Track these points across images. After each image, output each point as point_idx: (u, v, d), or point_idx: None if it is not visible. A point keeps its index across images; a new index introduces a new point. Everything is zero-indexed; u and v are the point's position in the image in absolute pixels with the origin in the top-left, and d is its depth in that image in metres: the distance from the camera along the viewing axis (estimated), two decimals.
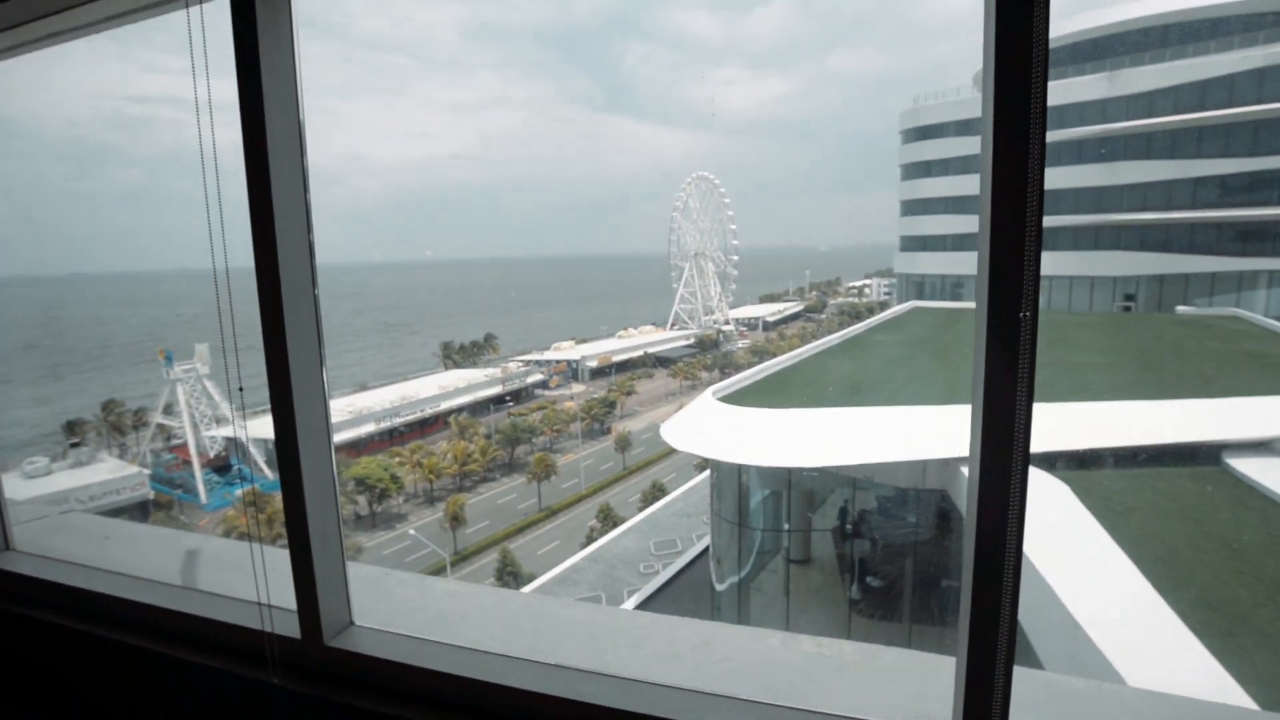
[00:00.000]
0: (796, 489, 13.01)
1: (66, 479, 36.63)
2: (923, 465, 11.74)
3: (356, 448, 48.51)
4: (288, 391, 1.38)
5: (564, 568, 21.29)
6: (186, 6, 1.34)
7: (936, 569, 12.66)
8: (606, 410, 56.28)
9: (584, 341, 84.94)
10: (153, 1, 1.83)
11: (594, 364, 74.93)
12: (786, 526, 13.32)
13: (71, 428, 42.94)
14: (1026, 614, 7.74)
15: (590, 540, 30.30)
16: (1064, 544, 8.03)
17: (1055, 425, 11.60)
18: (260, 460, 50.02)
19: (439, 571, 33.47)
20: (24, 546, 2.23)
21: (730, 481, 13.56)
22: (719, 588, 13.95)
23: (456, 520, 36.68)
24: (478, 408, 59.32)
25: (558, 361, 75.21)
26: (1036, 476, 10.28)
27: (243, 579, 1.76)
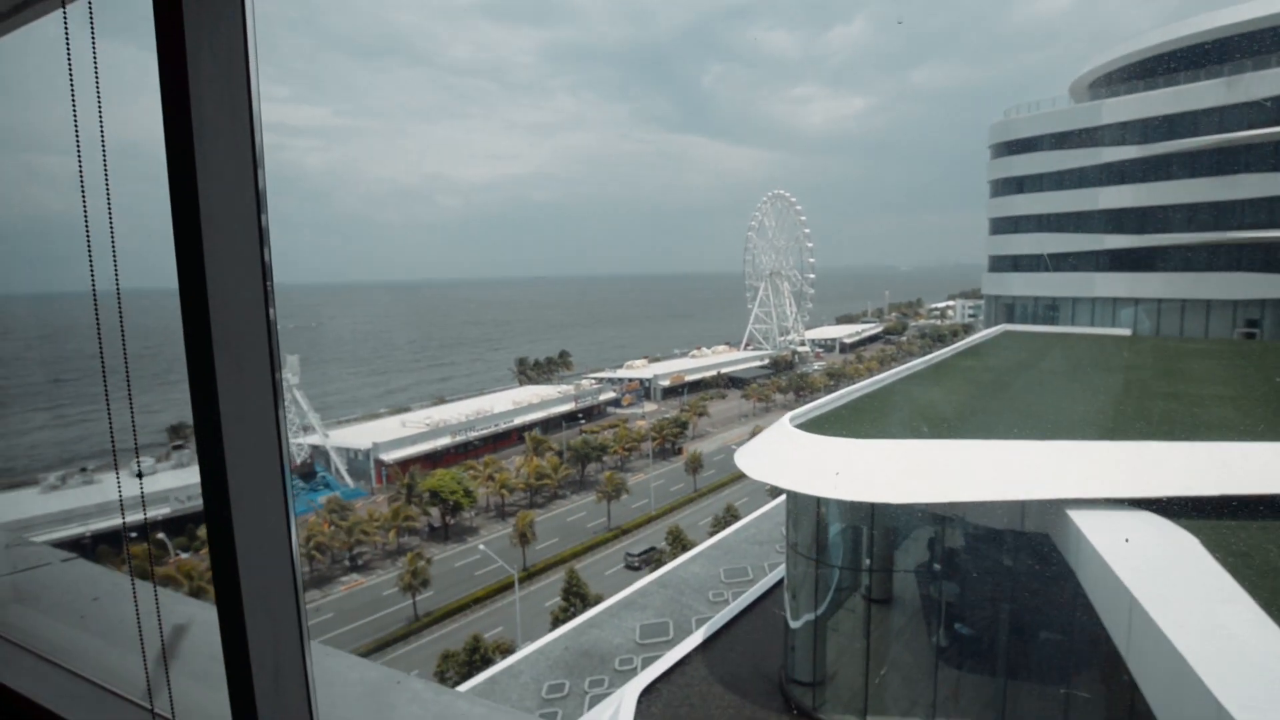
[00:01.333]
0: (879, 524, 12.15)
1: (169, 478, 38.98)
2: (1022, 506, 10.73)
3: (433, 460, 49.60)
4: (218, 441, 1.05)
5: (630, 591, 20.81)
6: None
7: (1036, 620, 11.53)
8: (678, 430, 55.69)
9: (657, 360, 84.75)
10: None
11: (666, 383, 74.49)
12: (867, 563, 12.45)
13: (175, 431, 45.65)
14: (1158, 694, 6.78)
15: (658, 564, 29.73)
16: (1198, 607, 7.03)
17: (1178, 466, 10.40)
18: (342, 468, 51.83)
19: (507, 588, 33.56)
20: None
21: (807, 513, 12.82)
22: (793, 625, 13.16)
23: (526, 536, 36.79)
24: (550, 424, 59.77)
25: (630, 379, 75.20)
26: (1158, 526, 9.18)
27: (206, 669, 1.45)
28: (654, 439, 53.46)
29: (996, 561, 11.98)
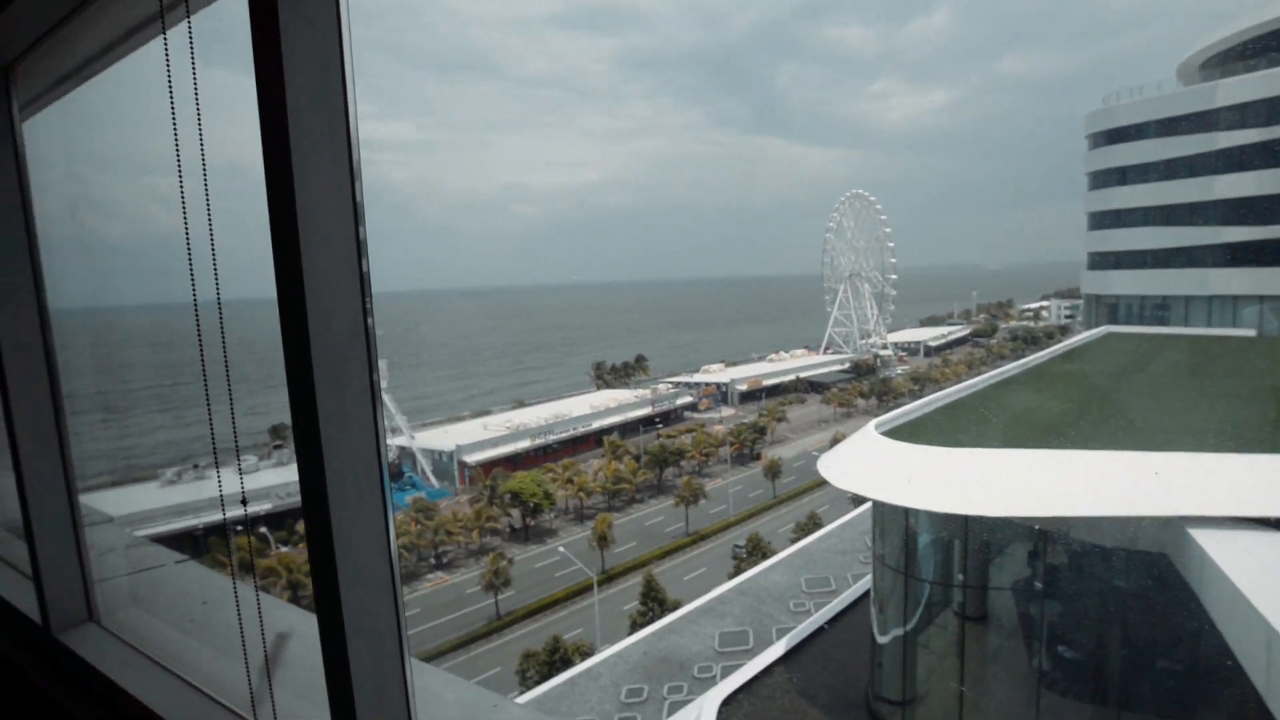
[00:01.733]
0: (973, 538, 11.51)
1: (270, 476, 41.45)
2: (1135, 522, 9.92)
3: (513, 462, 50.78)
4: (317, 451, 1.01)
5: (710, 598, 20.57)
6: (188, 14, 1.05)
7: (1152, 647, 10.63)
8: (756, 435, 54.90)
9: (733, 364, 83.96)
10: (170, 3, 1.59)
11: (744, 387, 73.65)
12: (960, 578, 11.80)
13: (275, 432, 48.51)
14: None
15: (738, 570, 29.33)
16: None
17: None
18: (428, 469, 53.73)
19: (586, 590, 33.93)
20: (110, 614, 2.08)
21: (895, 523, 12.29)
22: (881, 640, 12.64)
23: (604, 539, 37.08)
24: (627, 428, 60.14)
25: (707, 384, 74.78)
26: None
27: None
28: (732, 444, 52.91)
29: (1106, 581, 11.13)
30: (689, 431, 54.82)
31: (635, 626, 26.89)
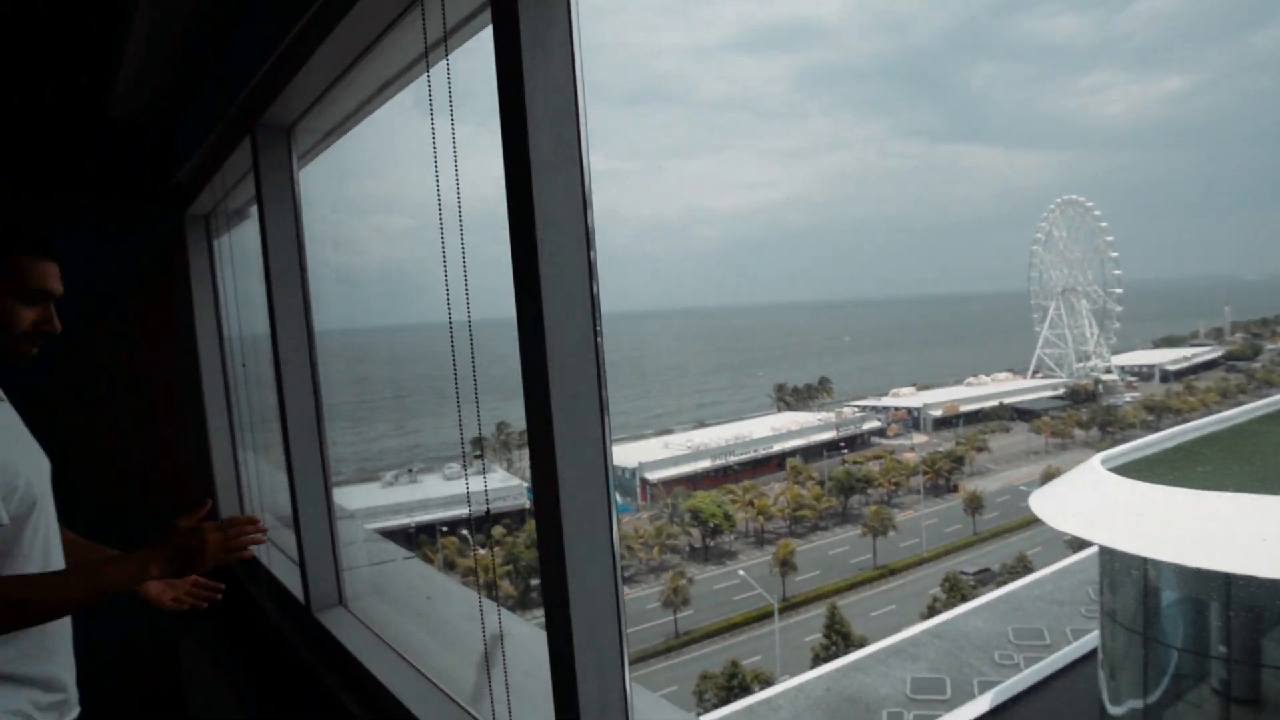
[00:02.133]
0: (1238, 601, 9.60)
1: (472, 483, 45.13)
2: None
3: (693, 481, 51.21)
4: (551, 462, 1.04)
5: (900, 638, 19.14)
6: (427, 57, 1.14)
7: None
8: (953, 465, 50.54)
9: (926, 388, 78.32)
10: (410, 62, 1.75)
11: (938, 413, 68.31)
12: (1222, 650, 9.87)
13: (475, 443, 53.02)
14: None
15: (932, 612, 27.07)
16: None
17: None
18: (611, 485, 55.43)
19: (766, 617, 33.14)
20: (354, 600, 2.32)
21: (1130, 575, 10.60)
22: (1113, 710, 10.92)
23: (786, 566, 36.03)
24: (809, 452, 58.22)
25: (896, 409, 70.36)
26: None
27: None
28: (925, 474, 49.19)
29: None
30: (876, 458, 51.83)
31: (817, 660, 25.74)
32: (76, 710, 1.36)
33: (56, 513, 1.35)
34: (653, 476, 51.84)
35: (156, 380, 3.16)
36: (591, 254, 1.08)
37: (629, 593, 40.14)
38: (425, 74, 1.87)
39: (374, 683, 1.93)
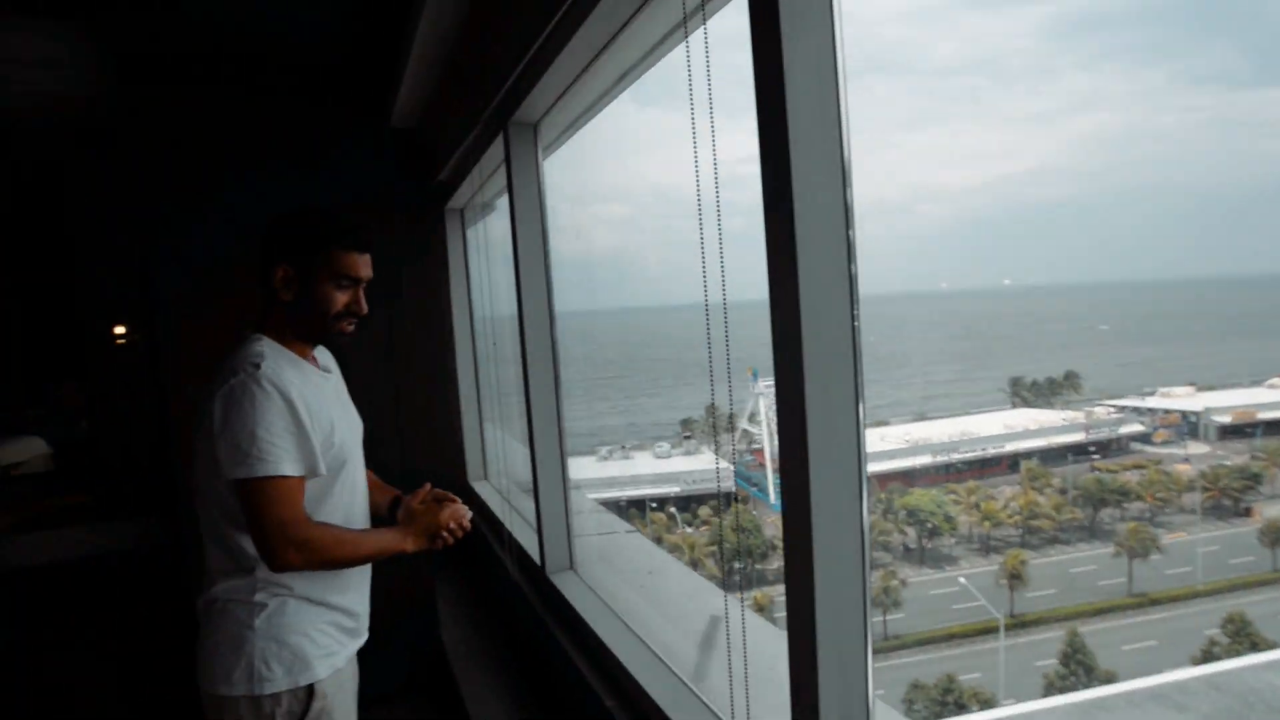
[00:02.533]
0: None
1: (680, 463, 46.74)
2: None
3: (909, 478, 48.09)
4: (803, 450, 1.00)
5: (1162, 680, 16.29)
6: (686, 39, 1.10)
7: None
8: (1247, 484, 41.96)
9: (1209, 389, 65.66)
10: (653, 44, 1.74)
11: (1225, 419, 56.91)
12: None
13: (685, 424, 54.56)
14: None
15: (1209, 657, 22.82)
16: None
17: None
18: None
19: (989, 632, 30.23)
20: (583, 566, 2.45)
21: None
22: None
23: (1016, 578, 32.55)
24: (1049, 454, 51.79)
25: (1166, 411, 59.85)
26: None
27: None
28: (1204, 490, 41.40)
29: None
30: (1136, 468, 44.59)
31: (1051, 689, 23.01)
32: (365, 636, 1.60)
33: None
34: (868, 469, 49.15)
35: (419, 354, 3.63)
36: (851, 233, 1.03)
37: None
38: (659, 63, 1.91)
39: (600, 645, 2.05)
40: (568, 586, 2.38)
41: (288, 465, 1.31)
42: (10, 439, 3.33)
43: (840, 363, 1.03)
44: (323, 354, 1.62)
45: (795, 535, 1.07)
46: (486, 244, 3.52)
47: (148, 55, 2.60)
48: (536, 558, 2.56)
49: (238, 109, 2.75)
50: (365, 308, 1.48)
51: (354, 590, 1.54)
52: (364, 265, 1.47)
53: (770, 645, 1.64)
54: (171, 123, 2.67)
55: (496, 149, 2.54)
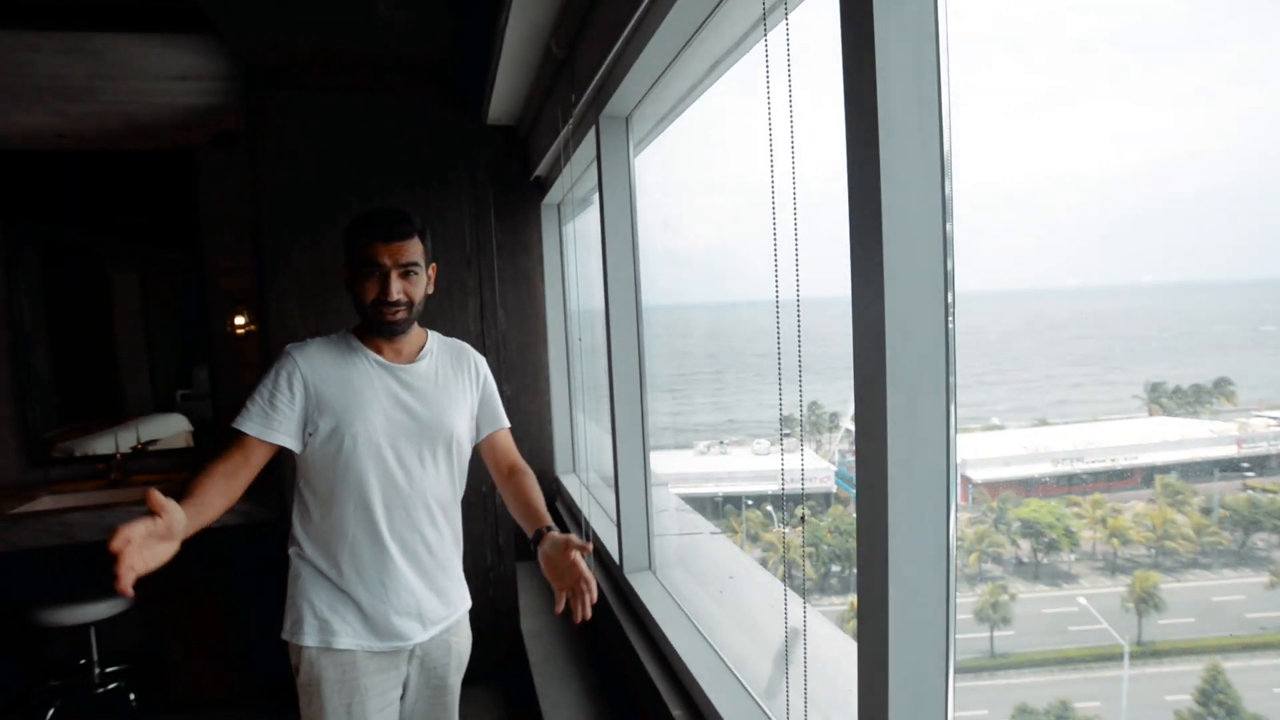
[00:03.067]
0: None
1: (780, 461, 45.85)
2: None
3: (1025, 486, 44.92)
4: (881, 457, 0.92)
5: None
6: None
7: None
8: None
9: None
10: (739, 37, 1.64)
11: None
12: None
13: (784, 421, 53.47)
14: None
15: None
16: None
17: None
18: None
19: (1112, 659, 27.84)
20: (661, 568, 2.40)
21: None
22: None
23: (1147, 603, 29.80)
24: (1191, 469, 46.94)
25: None
26: None
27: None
28: None
29: None
30: None
31: None
32: (398, 642, 1.58)
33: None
34: (977, 475, 46.66)
35: (513, 346, 3.70)
36: (948, 225, 0.94)
37: None
38: (750, 51, 1.82)
39: (671, 651, 2.00)
40: (644, 588, 2.35)
41: (245, 423, 1.46)
42: (158, 416, 3.68)
43: (928, 363, 0.95)
44: (447, 353, 1.70)
45: (870, 545, 0.99)
46: (578, 238, 3.54)
47: (269, 66, 2.78)
48: (615, 554, 2.55)
49: (345, 110, 2.89)
50: (394, 293, 1.50)
51: (359, 580, 1.55)
52: (386, 253, 1.50)
53: (854, 662, 1.54)
54: (288, 125, 2.84)
55: (589, 143, 2.54)
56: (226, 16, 2.42)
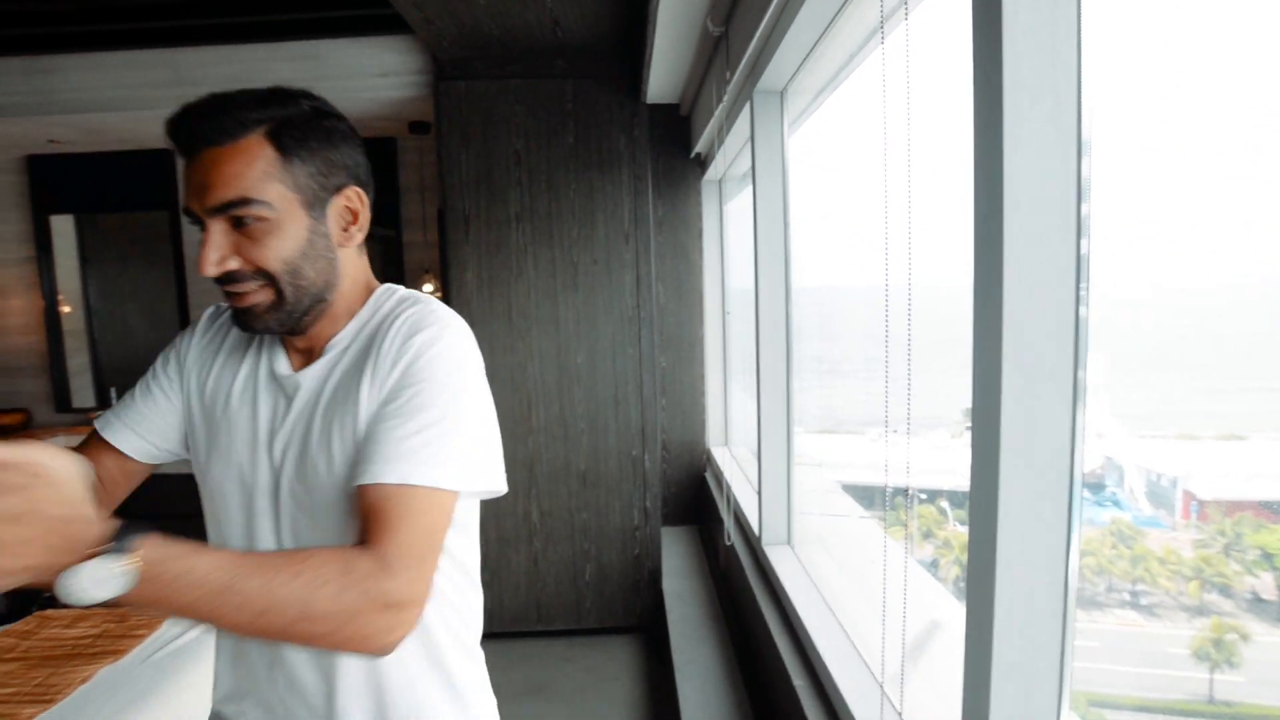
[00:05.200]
0: None
1: (957, 454, 42.80)
2: None
3: (1272, 509, 38.13)
4: (993, 450, 0.89)
5: None
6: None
7: None
8: None
9: None
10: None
11: None
12: None
13: (969, 413, 49.55)
14: None
15: None
16: None
17: None
18: (1138, 489, 45.66)
19: None
20: (800, 544, 2.38)
21: None
22: None
23: None
24: None
25: None
26: None
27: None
28: None
29: None
30: None
31: None
32: None
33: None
34: (1206, 491, 40.40)
35: (670, 319, 3.81)
36: (1083, 207, 0.88)
37: (1140, 624, 32.63)
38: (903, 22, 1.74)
39: (801, 626, 2.01)
40: (781, 561, 2.36)
41: None
42: None
43: (1050, 354, 0.90)
44: (362, 344, 0.88)
45: (979, 550, 0.96)
46: (735, 216, 3.56)
47: (453, 59, 3.10)
48: (754, 525, 2.58)
49: (516, 95, 3.16)
50: (210, 264, 0.80)
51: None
52: (195, 185, 0.80)
53: None
54: (468, 111, 3.16)
55: (744, 119, 2.55)
56: (419, 17, 2.73)
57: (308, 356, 0.91)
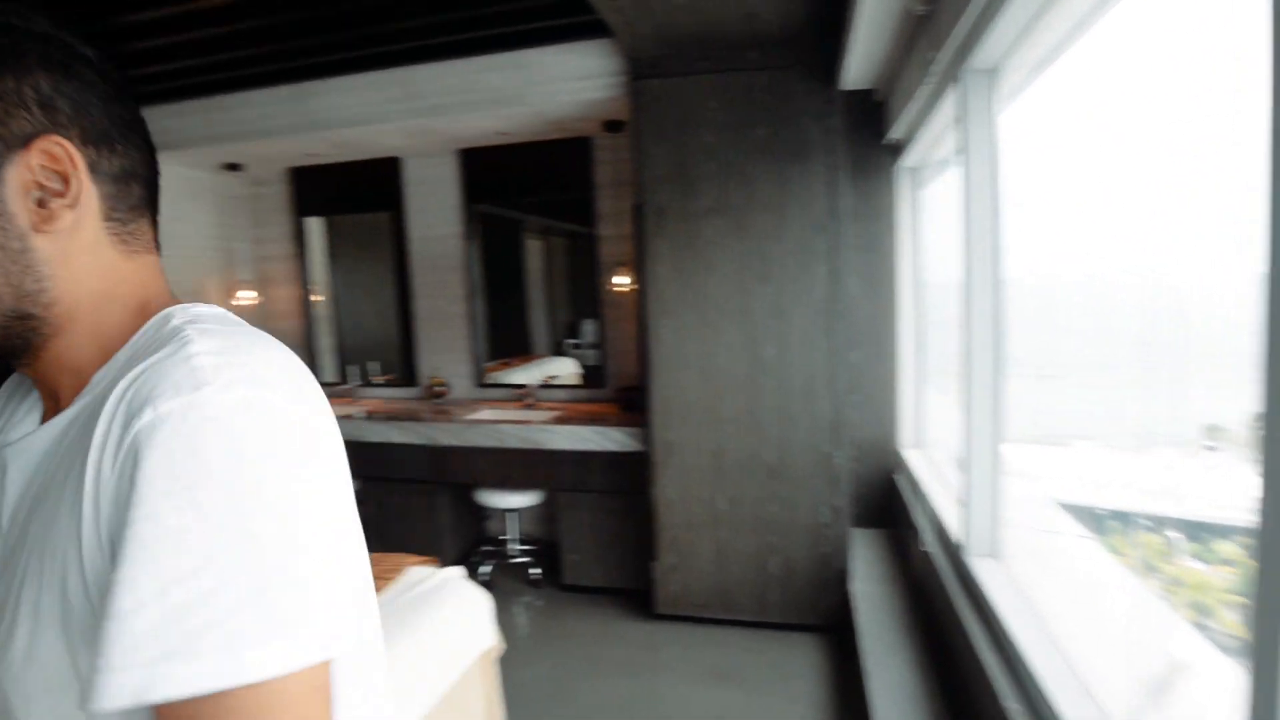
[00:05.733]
0: None
1: (1192, 479, 36.60)
2: None
3: None
4: None
5: None
6: None
7: None
8: None
9: None
10: None
11: None
12: None
13: (1213, 431, 42.32)
14: None
15: None
16: None
17: None
18: None
19: None
20: (1011, 557, 2.19)
21: None
22: None
23: None
24: None
25: None
26: None
27: None
28: None
29: None
30: None
31: None
32: None
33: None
34: None
35: (861, 313, 3.67)
36: None
37: None
38: None
39: (1012, 646, 1.87)
40: (987, 574, 2.21)
41: None
42: (555, 358, 4.62)
43: None
44: (113, 400, 0.49)
45: (1268, 608, 0.84)
46: (929, 205, 3.34)
47: (649, 58, 3.22)
48: (956, 535, 2.43)
49: (710, 90, 3.22)
50: None
51: None
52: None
53: None
54: (662, 107, 3.27)
55: (950, 102, 2.39)
56: (620, 20, 2.86)
57: (55, 406, 0.58)
